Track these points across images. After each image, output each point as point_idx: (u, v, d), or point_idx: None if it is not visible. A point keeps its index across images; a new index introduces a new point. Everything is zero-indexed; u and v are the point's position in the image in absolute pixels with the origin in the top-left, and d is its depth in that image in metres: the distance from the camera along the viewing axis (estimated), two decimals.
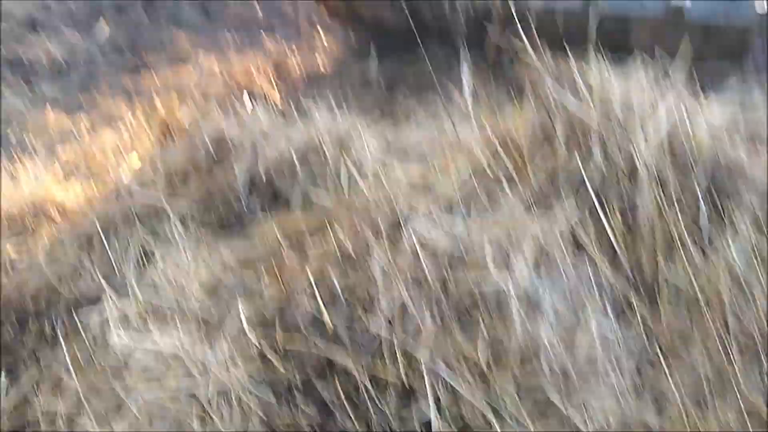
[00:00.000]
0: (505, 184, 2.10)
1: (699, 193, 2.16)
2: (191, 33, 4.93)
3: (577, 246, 2.01)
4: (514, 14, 2.96)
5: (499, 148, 2.18)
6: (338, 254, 1.98)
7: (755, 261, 2.08)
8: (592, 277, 1.94)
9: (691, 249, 2.08)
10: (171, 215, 2.77)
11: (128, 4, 5.34)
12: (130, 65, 4.57)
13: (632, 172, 2.13)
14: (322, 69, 4.42)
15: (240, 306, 1.95)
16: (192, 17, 5.17)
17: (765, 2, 3.64)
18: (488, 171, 2.15)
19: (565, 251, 1.94)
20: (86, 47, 4.78)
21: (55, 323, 2.41)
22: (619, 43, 3.73)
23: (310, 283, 1.93)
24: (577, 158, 2.13)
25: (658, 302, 2.02)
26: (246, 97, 3.76)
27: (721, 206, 2.19)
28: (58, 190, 3.16)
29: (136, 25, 5.07)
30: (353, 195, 2.32)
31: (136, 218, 2.83)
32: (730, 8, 4.04)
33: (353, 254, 1.95)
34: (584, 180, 2.08)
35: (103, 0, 5.43)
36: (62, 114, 4.04)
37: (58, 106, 4.16)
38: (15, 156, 3.55)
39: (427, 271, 1.84)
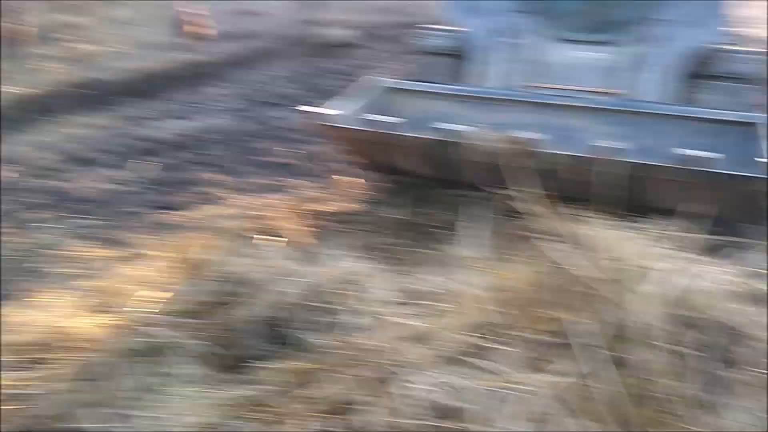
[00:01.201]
0: (502, 338, 2.12)
1: (697, 353, 2.15)
2: (221, 174, 5.17)
3: (578, 404, 2.00)
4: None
5: (500, 302, 2.22)
6: (326, 403, 1.99)
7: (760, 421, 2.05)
8: None
9: (696, 413, 2.05)
10: (183, 353, 2.83)
11: (163, 146, 5.67)
12: (161, 203, 4.78)
13: (631, 332, 2.14)
14: (348, 212, 4.57)
15: None
16: (223, 159, 5.45)
17: None
18: (487, 323, 2.18)
19: (561, 412, 1.92)
20: (122, 184, 5.04)
21: None
22: (643, 197, 3.81)
23: None
24: (576, 316, 2.15)
25: None
26: (267, 237, 3.89)
27: (720, 366, 2.17)
28: (78, 322, 3.24)
29: (169, 165, 5.35)
30: (352, 342, 2.35)
31: (149, 354, 2.89)
32: (751, 161, 4.13)
33: (340, 404, 1.96)
34: (583, 338, 2.10)
35: (141, 141, 5.78)
36: (92, 247, 4.21)
37: (90, 238, 4.33)
38: (40, 285, 3.68)
39: (415, 424, 1.84)
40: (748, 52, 5.04)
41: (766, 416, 1.98)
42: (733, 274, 2.76)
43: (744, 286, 2.73)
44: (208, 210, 4.56)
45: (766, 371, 2.15)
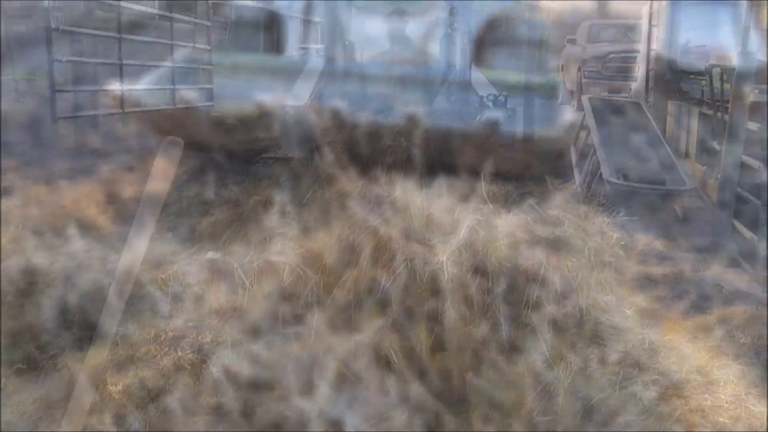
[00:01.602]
0: (313, 304, 2.12)
1: (499, 300, 2.27)
2: (22, 162, 4.77)
3: (385, 361, 2.04)
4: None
5: (308, 268, 2.22)
6: (141, 390, 1.91)
7: (555, 361, 2.20)
8: (399, 393, 1.96)
9: (495, 355, 2.16)
10: None
11: None
12: None
13: (435, 285, 2.22)
14: (158, 193, 4.37)
15: None
16: (23, 146, 5.03)
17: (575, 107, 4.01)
18: (297, 291, 2.17)
19: (370, 369, 1.96)
20: None
21: None
22: (442, 155, 3.98)
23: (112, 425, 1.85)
24: (382, 275, 2.19)
25: (468, 411, 2.07)
26: (70, 226, 3.64)
27: (522, 310, 2.31)
28: None
29: None
30: (163, 325, 2.27)
31: None
32: (541, 120, 4.43)
33: (156, 389, 1.89)
34: (389, 295, 2.14)
35: None
36: None
37: None
38: None
39: (229, 400, 1.80)
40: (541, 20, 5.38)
41: None
42: (532, 223, 2.95)
43: (541, 234, 2.92)
44: (6, 201, 4.19)
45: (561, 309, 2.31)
